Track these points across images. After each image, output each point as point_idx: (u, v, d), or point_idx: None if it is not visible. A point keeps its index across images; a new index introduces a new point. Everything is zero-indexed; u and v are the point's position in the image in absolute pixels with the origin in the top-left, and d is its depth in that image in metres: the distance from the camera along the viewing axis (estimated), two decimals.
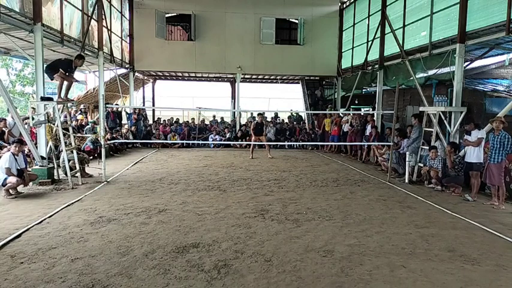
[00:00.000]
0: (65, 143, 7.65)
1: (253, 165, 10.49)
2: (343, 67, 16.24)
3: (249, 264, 3.86)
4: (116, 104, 17.06)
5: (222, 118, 17.95)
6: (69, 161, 7.55)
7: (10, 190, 6.37)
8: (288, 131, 15.98)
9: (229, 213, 5.64)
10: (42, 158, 7.58)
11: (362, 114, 12.73)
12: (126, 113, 15.11)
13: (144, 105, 20.01)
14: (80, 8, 10.41)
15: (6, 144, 8.26)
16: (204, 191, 7.18)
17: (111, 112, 13.98)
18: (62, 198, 6.34)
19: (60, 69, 7.50)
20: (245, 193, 7.05)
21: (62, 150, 7.71)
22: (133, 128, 14.11)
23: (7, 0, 6.73)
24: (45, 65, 7.74)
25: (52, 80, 7.89)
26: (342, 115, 13.36)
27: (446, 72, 9.03)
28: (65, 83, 7.72)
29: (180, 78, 20.73)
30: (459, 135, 8.58)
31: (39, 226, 4.89)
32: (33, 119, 7.63)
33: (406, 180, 8.38)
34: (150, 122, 17.36)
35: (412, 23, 10.49)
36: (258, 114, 12.43)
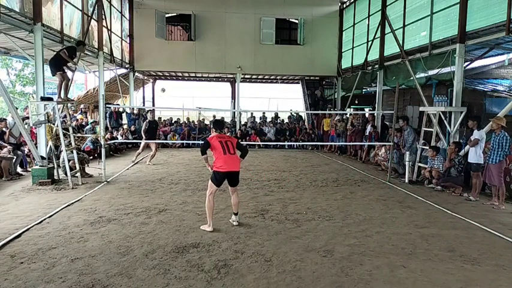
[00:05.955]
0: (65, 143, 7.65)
1: (253, 165, 10.49)
2: (343, 67, 16.23)
3: (249, 264, 3.86)
4: (117, 104, 17.06)
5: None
6: (69, 161, 7.54)
7: None
8: (288, 131, 15.98)
9: (229, 213, 5.63)
10: (42, 158, 7.58)
11: (362, 114, 12.73)
12: (126, 112, 15.12)
13: (144, 105, 20.00)
14: (80, 8, 10.40)
15: (6, 144, 8.27)
16: (204, 191, 7.13)
17: (114, 112, 13.99)
18: (62, 198, 6.34)
19: (65, 50, 7.46)
20: (245, 193, 7.05)
21: (62, 150, 7.71)
22: (132, 127, 14.11)
23: (7, 0, 6.73)
24: (49, 59, 7.68)
25: (54, 75, 7.84)
26: (338, 116, 13.39)
27: (447, 72, 9.03)
28: (64, 81, 7.71)
29: (180, 78, 20.73)
30: (459, 135, 8.58)
31: (39, 226, 4.89)
32: (27, 118, 7.49)
33: (406, 180, 8.38)
34: None
35: (412, 23, 10.49)
36: (149, 111, 11.42)
